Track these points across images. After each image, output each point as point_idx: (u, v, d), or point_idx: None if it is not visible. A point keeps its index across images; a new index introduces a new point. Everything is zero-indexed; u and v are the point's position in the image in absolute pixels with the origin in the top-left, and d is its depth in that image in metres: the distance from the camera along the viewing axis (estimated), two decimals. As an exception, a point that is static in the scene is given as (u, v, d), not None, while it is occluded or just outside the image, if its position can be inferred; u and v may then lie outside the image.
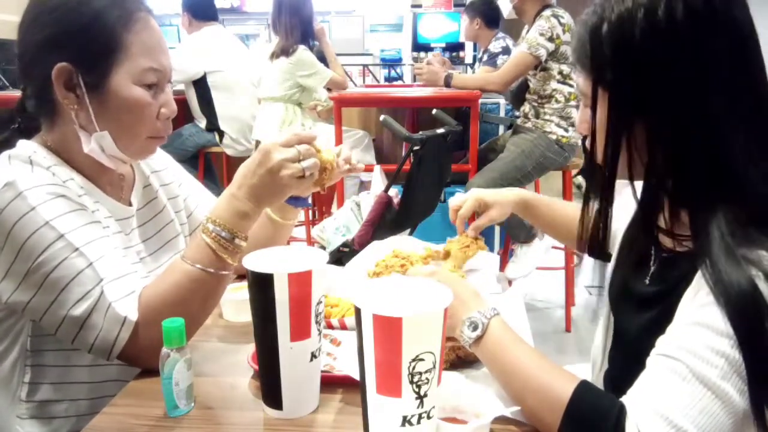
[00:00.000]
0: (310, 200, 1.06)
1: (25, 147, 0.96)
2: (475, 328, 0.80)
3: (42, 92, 0.96)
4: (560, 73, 2.72)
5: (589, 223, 0.86)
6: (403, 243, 1.30)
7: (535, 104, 2.79)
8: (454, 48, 7.44)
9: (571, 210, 1.23)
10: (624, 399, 0.69)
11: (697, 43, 0.70)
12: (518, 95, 2.95)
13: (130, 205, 1.08)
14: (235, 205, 0.92)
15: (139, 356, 0.90)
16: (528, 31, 2.75)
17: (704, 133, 0.72)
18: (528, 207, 1.25)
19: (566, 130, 2.73)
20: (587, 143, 0.85)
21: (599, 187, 0.82)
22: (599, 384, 0.96)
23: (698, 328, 0.67)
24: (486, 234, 3.29)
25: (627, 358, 0.88)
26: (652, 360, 0.71)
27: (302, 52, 3.19)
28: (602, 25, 0.74)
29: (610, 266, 0.99)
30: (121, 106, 0.95)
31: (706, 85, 0.71)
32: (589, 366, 1.07)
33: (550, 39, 2.63)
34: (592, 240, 0.86)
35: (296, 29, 3.22)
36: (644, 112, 0.74)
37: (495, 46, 3.79)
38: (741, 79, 0.72)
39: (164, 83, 1.00)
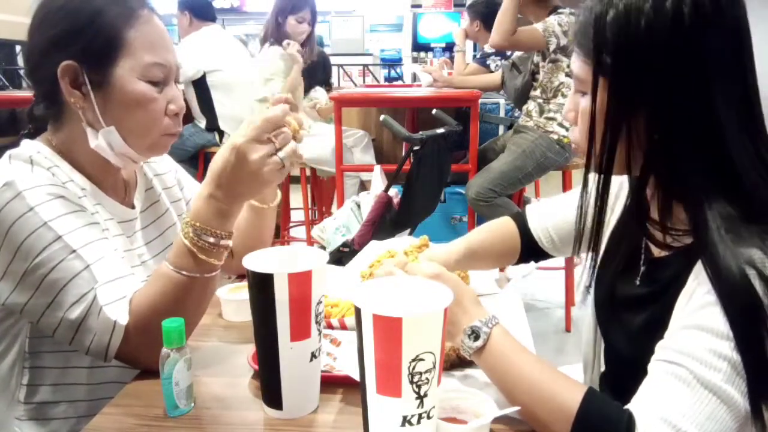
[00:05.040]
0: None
1: (28, 147, 0.95)
2: (476, 338, 0.79)
3: (50, 93, 0.97)
4: (569, 66, 2.72)
5: (586, 218, 0.83)
6: (401, 243, 1.30)
7: (541, 101, 2.79)
8: (454, 48, 7.43)
9: (493, 234, 1.14)
10: (630, 406, 0.69)
11: (701, 37, 0.71)
12: (522, 94, 2.94)
13: (133, 207, 1.08)
14: (216, 206, 0.88)
15: (135, 359, 0.89)
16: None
17: (703, 126, 0.72)
18: (471, 257, 1.09)
19: (567, 130, 2.73)
20: (572, 133, 0.84)
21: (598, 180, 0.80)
22: (594, 384, 0.96)
23: (698, 331, 0.67)
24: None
25: (623, 361, 0.87)
26: (654, 366, 0.70)
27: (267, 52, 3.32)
28: (608, 12, 0.74)
29: (587, 265, 0.97)
30: (127, 101, 0.95)
31: (707, 78, 0.71)
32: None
33: (566, 33, 2.64)
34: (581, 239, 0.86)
35: (267, 30, 3.35)
36: (644, 102, 0.74)
37: (490, 47, 3.79)
38: (737, 76, 0.73)
39: (170, 79, 1.00)
